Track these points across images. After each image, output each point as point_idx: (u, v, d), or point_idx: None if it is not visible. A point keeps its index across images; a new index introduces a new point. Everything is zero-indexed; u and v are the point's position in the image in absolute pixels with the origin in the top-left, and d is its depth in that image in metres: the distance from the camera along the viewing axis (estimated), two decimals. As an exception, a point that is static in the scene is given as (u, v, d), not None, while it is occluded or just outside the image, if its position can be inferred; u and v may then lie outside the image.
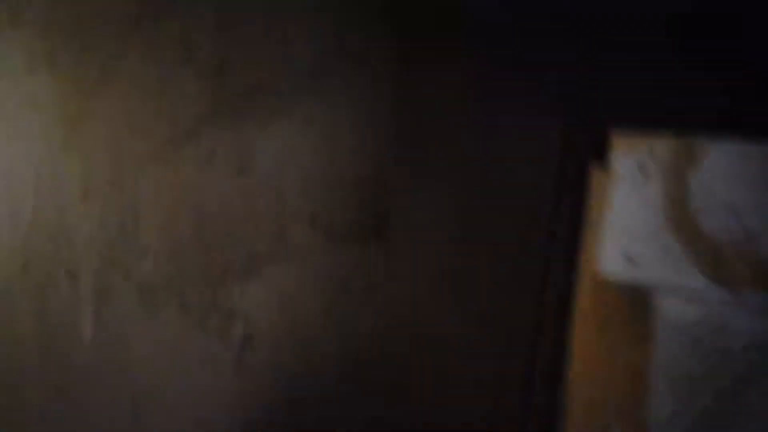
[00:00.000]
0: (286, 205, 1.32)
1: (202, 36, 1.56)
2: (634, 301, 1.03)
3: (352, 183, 1.30)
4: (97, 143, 1.52)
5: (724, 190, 0.99)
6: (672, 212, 1.02)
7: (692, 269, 0.99)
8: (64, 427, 1.42)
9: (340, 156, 1.34)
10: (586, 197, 1.12)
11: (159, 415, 1.34)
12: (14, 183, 1.55)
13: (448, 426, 1.17)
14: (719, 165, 1.00)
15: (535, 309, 1.14)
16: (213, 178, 1.40)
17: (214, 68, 1.56)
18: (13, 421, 1.46)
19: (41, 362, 1.43)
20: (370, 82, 1.35)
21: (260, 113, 1.43)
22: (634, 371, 1.03)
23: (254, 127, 1.42)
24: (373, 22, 1.35)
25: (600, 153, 1.09)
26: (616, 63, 1.13)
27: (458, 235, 1.20)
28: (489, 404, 1.16)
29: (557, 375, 1.10)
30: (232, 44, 1.51)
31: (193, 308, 1.28)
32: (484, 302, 1.17)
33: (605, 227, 1.06)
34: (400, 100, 1.31)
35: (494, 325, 1.19)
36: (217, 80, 1.52)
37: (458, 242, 1.20)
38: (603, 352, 1.06)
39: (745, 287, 0.97)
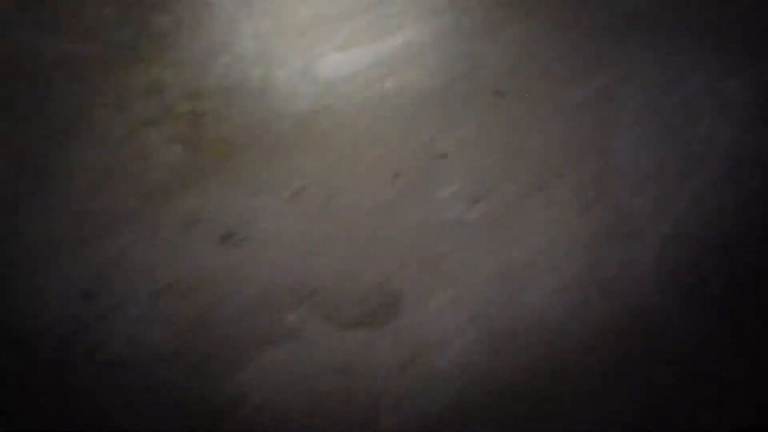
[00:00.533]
0: (280, 280, 1.22)
1: (178, 78, 1.48)
2: None
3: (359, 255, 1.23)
4: (60, 199, 1.39)
5: None
6: None
7: None
8: None
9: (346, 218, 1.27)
10: None
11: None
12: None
13: None
14: None
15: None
16: (192, 246, 1.29)
17: (190, 118, 1.47)
18: None
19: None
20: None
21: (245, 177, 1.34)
22: None
23: (243, 190, 1.33)
24: None
25: None
26: None
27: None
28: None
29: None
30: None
31: (171, 397, 1.16)
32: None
33: None
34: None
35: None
36: (196, 133, 1.43)
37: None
38: None
39: None
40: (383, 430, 1.09)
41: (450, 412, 1.12)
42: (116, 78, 1.52)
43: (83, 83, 1.52)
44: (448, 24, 1.56)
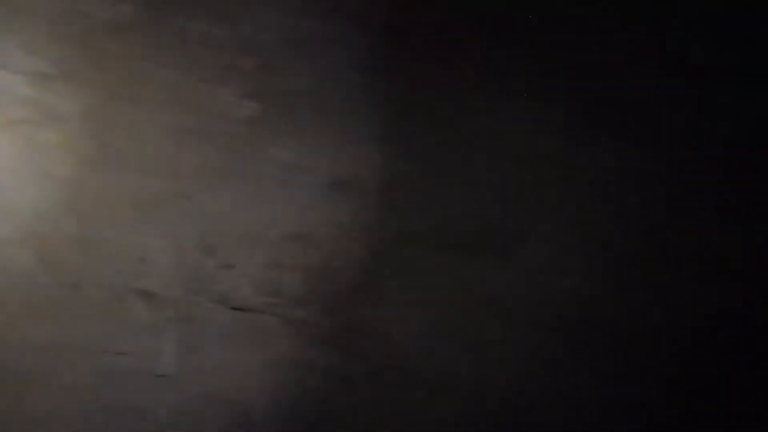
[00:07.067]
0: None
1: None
2: None
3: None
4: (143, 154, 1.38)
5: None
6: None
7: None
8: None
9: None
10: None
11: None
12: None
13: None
14: None
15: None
16: (297, 191, 1.36)
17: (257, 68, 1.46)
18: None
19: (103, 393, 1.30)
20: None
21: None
22: None
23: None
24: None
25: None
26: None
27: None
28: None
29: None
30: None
31: (309, 330, 1.27)
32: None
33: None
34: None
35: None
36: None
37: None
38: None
39: None
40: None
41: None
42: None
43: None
44: None
